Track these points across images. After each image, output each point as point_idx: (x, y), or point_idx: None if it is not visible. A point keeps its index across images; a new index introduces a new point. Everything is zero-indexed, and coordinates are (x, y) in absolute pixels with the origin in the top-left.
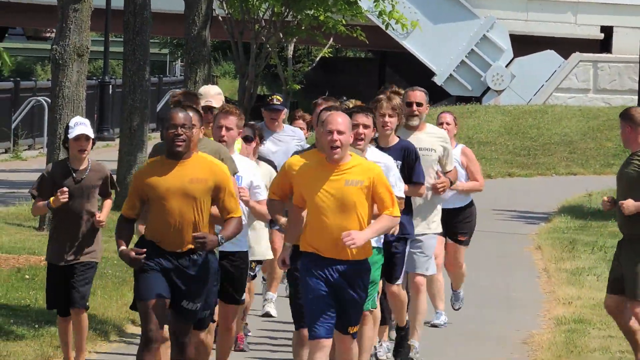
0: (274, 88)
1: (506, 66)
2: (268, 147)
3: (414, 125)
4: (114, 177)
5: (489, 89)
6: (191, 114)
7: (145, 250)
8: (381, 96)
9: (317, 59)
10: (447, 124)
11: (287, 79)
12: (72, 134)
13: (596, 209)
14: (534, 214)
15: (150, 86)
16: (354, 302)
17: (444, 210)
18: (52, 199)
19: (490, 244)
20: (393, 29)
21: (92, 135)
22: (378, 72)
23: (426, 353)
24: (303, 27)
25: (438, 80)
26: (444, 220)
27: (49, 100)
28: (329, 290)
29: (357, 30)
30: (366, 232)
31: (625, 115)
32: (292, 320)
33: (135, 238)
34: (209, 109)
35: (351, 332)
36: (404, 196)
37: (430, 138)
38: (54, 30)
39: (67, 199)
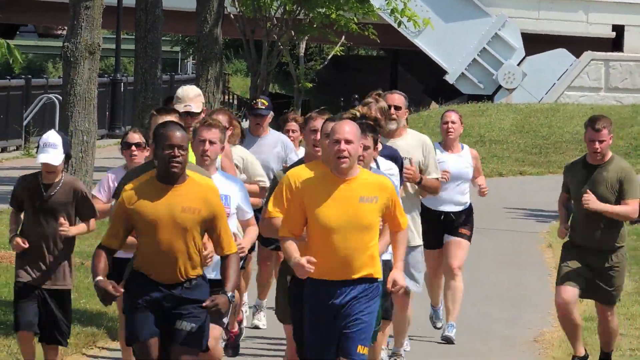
0: (285, 86)
1: (518, 64)
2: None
3: (392, 130)
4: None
5: (500, 87)
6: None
7: (122, 290)
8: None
9: (329, 57)
10: (452, 122)
11: (299, 77)
12: (38, 158)
13: None
14: (545, 212)
15: (162, 84)
16: (364, 325)
17: (443, 214)
18: (16, 240)
19: (501, 242)
20: (405, 27)
21: (56, 162)
22: (390, 70)
23: (437, 351)
24: (315, 25)
25: (450, 78)
26: (443, 223)
27: (60, 98)
28: (336, 317)
29: (369, 28)
30: (398, 267)
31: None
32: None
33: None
34: (187, 114)
35: (361, 352)
36: None
37: (407, 145)
38: (66, 27)
39: (22, 249)
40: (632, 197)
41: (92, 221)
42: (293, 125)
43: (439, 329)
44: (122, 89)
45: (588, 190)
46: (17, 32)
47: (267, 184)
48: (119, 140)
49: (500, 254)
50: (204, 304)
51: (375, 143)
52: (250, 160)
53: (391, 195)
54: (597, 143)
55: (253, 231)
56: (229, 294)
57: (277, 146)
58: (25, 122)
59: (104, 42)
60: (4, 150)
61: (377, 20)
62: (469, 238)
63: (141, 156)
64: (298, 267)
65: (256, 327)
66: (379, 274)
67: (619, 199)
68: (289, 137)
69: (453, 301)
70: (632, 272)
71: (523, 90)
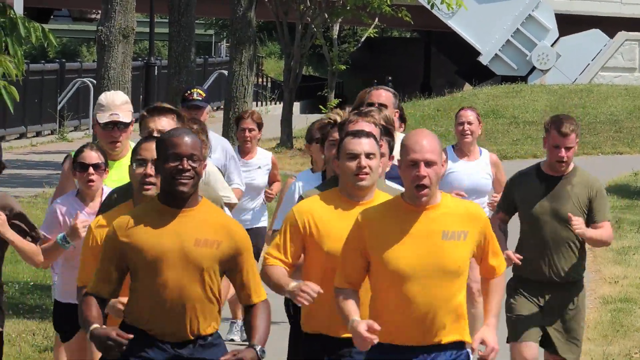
0: (319, 69)
1: (552, 45)
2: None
3: None
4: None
5: (534, 68)
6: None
7: (132, 335)
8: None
9: (363, 39)
10: (469, 123)
11: (332, 60)
12: None
13: None
14: None
15: (195, 67)
16: None
17: None
18: None
19: None
20: (438, 9)
21: None
22: (423, 52)
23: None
24: (348, 7)
25: (484, 59)
26: None
27: (95, 82)
28: None
29: (403, 10)
30: (490, 324)
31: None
32: None
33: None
34: (114, 124)
35: None
36: None
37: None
38: (99, 11)
39: None
40: (606, 219)
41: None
42: (249, 123)
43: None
44: (155, 72)
45: (571, 215)
46: (52, 16)
47: (232, 200)
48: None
49: None
50: (222, 359)
51: (391, 150)
52: (214, 174)
53: (484, 229)
54: (563, 150)
55: None
56: (258, 347)
57: (215, 151)
58: (59, 106)
59: (138, 25)
60: (38, 134)
61: (411, 1)
62: None
63: (100, 181)
64: (357, 337)
65: (231, 340)
66: (468, 337)
67: (588, 220)
68: (244, 137)
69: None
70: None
71: (557, 71)
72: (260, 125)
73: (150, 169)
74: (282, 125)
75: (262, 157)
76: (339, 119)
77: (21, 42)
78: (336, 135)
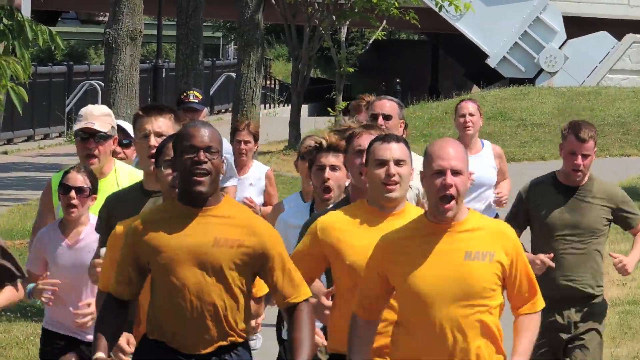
0: (327, 71)
1: (559, 48)
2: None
3: None
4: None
5: (542, 70)
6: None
7: None
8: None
9: (371, 41)
10: (470, 115)
11: (340, 62)
12: None
13: None
14: None
15: (203, 70)
16: None
17: None
18: None
19: None
20: (446, 11)
21: None
22: (431, 54)
23: None
24: (356, 10)
25: (491, 62)
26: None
27: (102, 84)
28: None
29: (411, 12)
30: (520, 352)
31: None
32: None
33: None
34: (90, 136)
35: None
36: None
37: None
38: (107, 14)
39: None
40: None
41: (18, 285)
42: (244, 135)
43: None
44: (163, 75)
45: (613, 254)
46: (59, 19)
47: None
48: None
49: None
50: None
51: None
52: None
53: (514, 251)
54: (579, 157)
55: None
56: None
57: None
58: (67, 109)
59: (146, 28)
60: (46, 137)
61: (418, 4)
62: None
63: (83, 208)
64: None
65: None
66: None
67: (623, 227)
68: (240, 150)
69: None
70: None
71: (565, 74)
72: (256, 137)
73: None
74: (290, 128)
75: (256, 172)
76: (324, 143)
77: (28, 44)
78: (324, 160)
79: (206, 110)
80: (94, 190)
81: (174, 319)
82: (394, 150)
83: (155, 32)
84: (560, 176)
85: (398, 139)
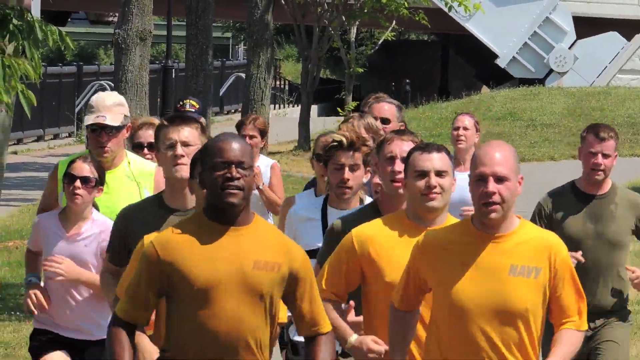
0: (336, 71)
1: (569, 48)
2: None
3: None
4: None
5: (552, 71)
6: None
7: None
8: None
9: (380, 42)
10: (465, 129)
11: (350, 62)
12: None
13: None
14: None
15: (213, 70)
16: None
17: None
18: None
19: None
20: (456, 12)
21: None
22: (441, 55)
23: None
24: (365, 10)
25: (501, 62)
26: None
27: (112, 85)
28: None
29: (420, 13)
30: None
31: None
32: None
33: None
34: (102, 129)
35: None
36: None
37: None
38: (117, 14)
39: None
40: None
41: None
42: (249, 130)
43: None
44: (173, 75)
45: (629, 267)
46: (69, 19)
47: None
48: None
49: None
50: None
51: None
52: None
53: (562, 267)
54: (599, 156)
55: None
56: None
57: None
58: (77, 109)
59: (155, 28)
60: (56, 137)
61: (428, 4)
62: None
63: (88, 198)
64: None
65: None
66: None
67: None
68: None
69: None
70: None
71: (574, 74)
72: (263, 132)
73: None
74: (299, 128)
75: (262, 166)
76: (345, 141)
77: (38, 45)
78: (343, 159)
79: (203, 119)
80: (100, 181)
81: (205, 348)
82: (434, 160)
83: (164, 32)
84: (580, 184)
85: (439, 148)
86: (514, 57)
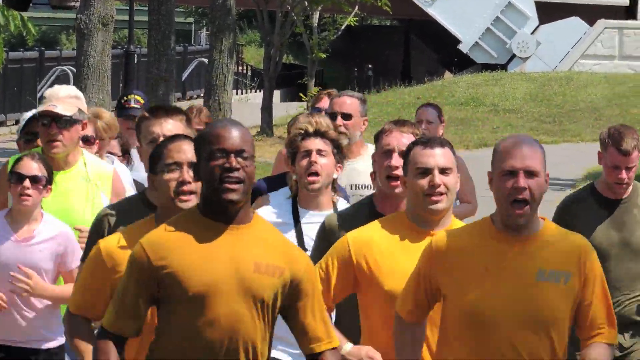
0: (299, 56)
1: (531, 33)
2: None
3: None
4: None
5: (514, 56)
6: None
7: None
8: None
9: (343, 27)
10: (428, 122)
11: (312, 48)
12: None
13: None
14: (560, 181)
15: (175, 55)
16: None
17: None
18: None
19: None
20: None
21: None
22: (404, 40)
23: None
24: None
25: (464, 47)
26: None
27: (74, 70)
28: None
29: None
30: None
31: None
32: None
33: None
34: (52, 120)
35: None
36: None
37: (369, 169)
38: None
39: None
40: None
41: None
42: (195, 124)
43: None
44: (135, 60)
45: None
46: (31, 4)
47: None
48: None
49: None
50: None
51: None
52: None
53: (592, 272)
54: (623, 171)
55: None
56: None
57: None
58: (39, 95)
59: (117, 13)
60: (17, 122)
61: None
62: None
63: (38, 199)
64: None
65: None
66: None
67: None
68: None
69: None
70: None
71: (537, 59)
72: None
73: (188, 174)
74: (262, 113)
75: None
76: (310, 128)
77: (0, 30)
78: (309, 144)
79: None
80: (49, 180)
81: (201, 353)
82: (438, 156)
83: (127, 17)
84: (600, 187)
85: (442, 143)
86: (476, 42)
